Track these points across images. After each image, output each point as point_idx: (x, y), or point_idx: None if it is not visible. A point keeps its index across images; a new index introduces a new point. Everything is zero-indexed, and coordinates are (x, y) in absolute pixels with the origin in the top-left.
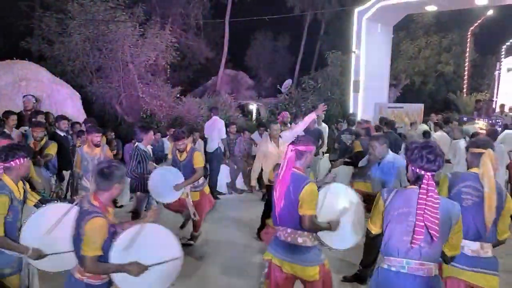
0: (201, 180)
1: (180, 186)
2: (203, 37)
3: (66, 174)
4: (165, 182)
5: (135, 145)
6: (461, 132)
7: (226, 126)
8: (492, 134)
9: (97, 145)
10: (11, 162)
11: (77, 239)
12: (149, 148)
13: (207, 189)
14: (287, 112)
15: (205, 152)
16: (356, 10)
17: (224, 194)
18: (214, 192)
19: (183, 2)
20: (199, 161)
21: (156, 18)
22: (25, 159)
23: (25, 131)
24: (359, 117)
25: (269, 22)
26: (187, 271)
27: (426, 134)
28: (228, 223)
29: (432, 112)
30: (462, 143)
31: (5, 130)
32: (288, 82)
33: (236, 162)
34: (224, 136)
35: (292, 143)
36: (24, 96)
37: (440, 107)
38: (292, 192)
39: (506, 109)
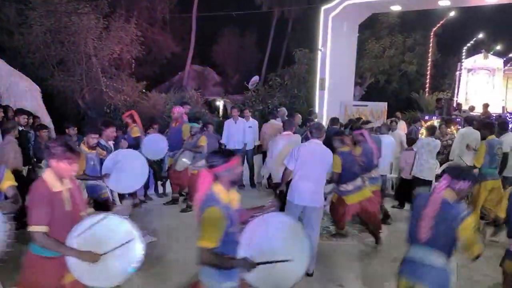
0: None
1: None
2: (169, 32)
3: (24, 169)
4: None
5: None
6: (388, 129)
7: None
8: (431, 130)
9: (92, 147)
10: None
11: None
12: (110, 144)
13: None
14: (181, 107)
15: None
16: (323, 8)
17: None
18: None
19: None
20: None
21: (120, 11)
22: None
23: None
24: (325, 115)
25: (237, 18)
26: (151, 268)
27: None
28: (193, 220)
29: (396, 111)
30: (386, 138)
31: None
32: (255, 79)
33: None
34: None
35: None
36: None
37: (403, 106)
38: None
39: (466, 108)
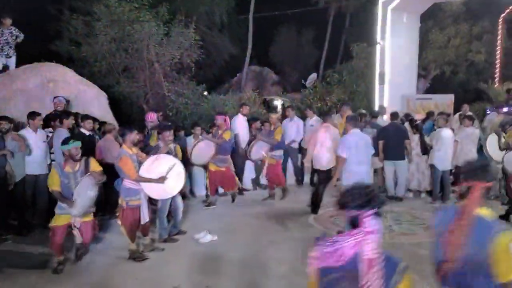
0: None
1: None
2: (227, 34)
3: None
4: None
5: (157, 143)
6: (446, 121)
7: (249, 122)
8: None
9: (135, 144)
10: None
11: None
12: (171, 146)
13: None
14: (155, 114)
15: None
16: (381, 0)
17: (249, 190)
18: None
19: (207, 0)
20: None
21: (180, 17)
22: None
23: (51, 132)
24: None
25: (293, 16)
26: (214, 267)
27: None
28: (252, 219)
29: (463, 103)
30: (445, 132)
31: (30, 129)
32: (313, 76)
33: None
34: (235, 132)
35: None
36: (55, 98)
37: (472, 98)
38: None
39: None
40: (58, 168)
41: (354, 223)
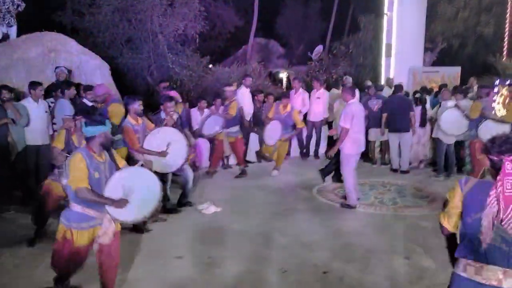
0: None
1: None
2: (232, 5)
3: None
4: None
5: (159, 114)
6: (451, 94)
7: (253, 94)
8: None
9: (139, 114)
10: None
11: None
12: (175, 117)
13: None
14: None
15: None
16: None
17: (253, 162)
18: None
19: None
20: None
21: None
22: None
23: (52, 102)
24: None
25: None
26: (217, 238)
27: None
28: (256, 191)
29: (471, 76)
30: (450, 103)
31: (31, 99)
32: (319, 48)
33: None
34: (240, 105)
35: None
36: (57, 68)
37: (479, 71)
38: None
39: None
40: (86, 156)
41: (496, 167)
